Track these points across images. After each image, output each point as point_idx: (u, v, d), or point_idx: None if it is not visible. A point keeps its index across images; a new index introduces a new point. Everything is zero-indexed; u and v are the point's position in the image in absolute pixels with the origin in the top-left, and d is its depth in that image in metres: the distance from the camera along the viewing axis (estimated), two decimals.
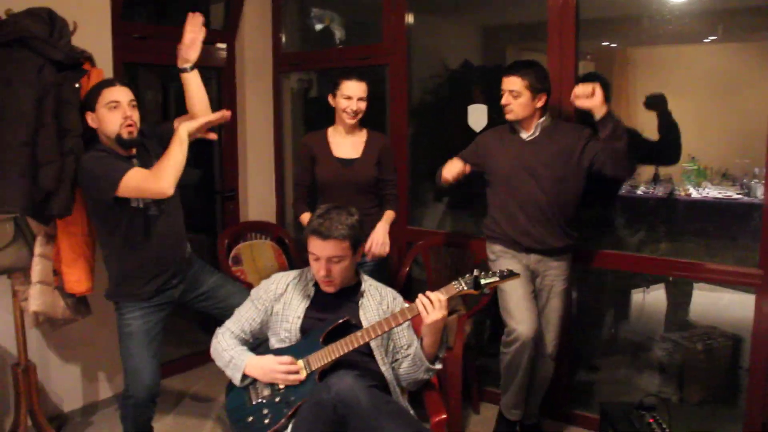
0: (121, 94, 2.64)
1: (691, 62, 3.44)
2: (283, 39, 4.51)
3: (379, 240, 3.17)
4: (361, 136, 3.29)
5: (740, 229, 3.24)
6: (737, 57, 3.39)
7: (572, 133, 2.95)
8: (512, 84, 2.90)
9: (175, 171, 2.53)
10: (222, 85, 4.41)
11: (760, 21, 3.10)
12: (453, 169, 3.05)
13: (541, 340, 3.07)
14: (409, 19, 3.89)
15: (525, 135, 2.99)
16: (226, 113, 2.78)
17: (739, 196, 3.29)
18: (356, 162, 3.23)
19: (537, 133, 2.97)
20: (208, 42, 4.27)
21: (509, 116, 2.96)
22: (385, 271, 3.46)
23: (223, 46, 4.35)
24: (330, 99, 3.23)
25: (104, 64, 3.28)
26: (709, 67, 3.36)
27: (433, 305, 2.21)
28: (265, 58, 4.51)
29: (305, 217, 3.18)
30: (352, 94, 3.13)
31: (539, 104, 2.93)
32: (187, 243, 2.96)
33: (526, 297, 2.99)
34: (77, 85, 2.78)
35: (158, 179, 2.50)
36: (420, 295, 2.24)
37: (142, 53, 3.92)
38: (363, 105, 3.18)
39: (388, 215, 3.28)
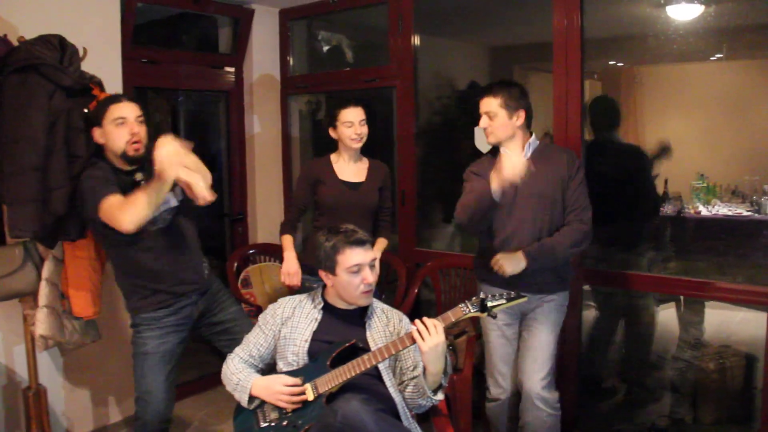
0: (128, 110, 2.62)
1: (697, 80, 3.45)
2: (291, 62, 4.55)
3: None
4: (364, 163, 3.32)
5: (751, 247, 3.22)
6: (743, 74, 3.39)
7: (563, 155, 2.84)
8: (487, 105, 2.77)
9: (140, 212, 2.39)
10: (230, 108, 4.45)
11: (763, 38, 3.11)
12: (517, 165, 2.53)
13: (525, 386, 2.84)
14: (416, 40, 3.91)
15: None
16: (209, 197, 2.57)
17: (749, 213, 3.27)
18: (362, 185, 3.26)
19: (528, 154, 2.79)
20: (217, 65, 4.36)
21: (490, 139, 2.82)
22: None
23: (231, 69, 4.39)
24: (331, 132, 3.24)
25: (114, 89, 3.33)
26: (715, 84, 3.37)
27: (428, 331, 2.17)
28: (273, 80, 4.55)
29: (287, 239, 3.26)
30: (353, 120, 3.16)
31: (518, 122, 2.76)
32: (204, 261, 2.92)
33: (506, 359, 2.93)
34: (86, 111, 2.82)
35: (123, 214, 2.40)
36: (416, 321, 2.21)
37: (151, 77, 3.97)
38: (365, 129, 3.21)
39: (380, 243, 3.28)
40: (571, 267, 2.92)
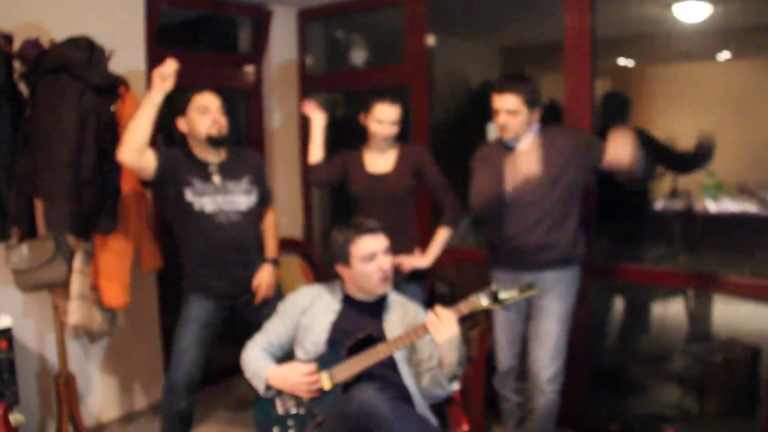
0: (211, 99, 2.81)
1: (706, 79, 3.50)
2: (309, 61, 4.64)
3: (407, 260, 3.11)
4: (393, 151, 3.20)
5: (757, 243, 3.27)
6: (751, 73, 3.44)
7: (566, 133, 2.90)
8: (508, 102, 2.70)
9: (130, 136, 2.58)
10: (250, 106, 4.54)
11: None
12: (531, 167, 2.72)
13: (532, 370, 2.88)
14: (430, 40, 3.98)
15: (519, 145, 2.81)
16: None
17: (756, 210, 3.32)
18: (388, 176, 3.17)
19: (530, 141, 2.80)
20: (237, 65, 4.46)
21: (508, 136, 2.77)
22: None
23: (251, 69, 4.49)
24: (361, 117, 3.15)
25: (139, 88, 3.43)
26: (724, 83, 3.42)
27: (442, 322, 2.22)
28: (292, 80, 4.63)
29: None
30: (383, 119, 3.06)
31: (536, 118, 2.78)
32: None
33: (509, 337, 2.99)
34: (113, 109, 2.94)
35: (121, 146, 2.60)
36: (429, 313, 2.26)
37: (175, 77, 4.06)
38: (394, 129, 3.12)
39: (439, 235, 3.18)
40: (581, 241, 2.89)
